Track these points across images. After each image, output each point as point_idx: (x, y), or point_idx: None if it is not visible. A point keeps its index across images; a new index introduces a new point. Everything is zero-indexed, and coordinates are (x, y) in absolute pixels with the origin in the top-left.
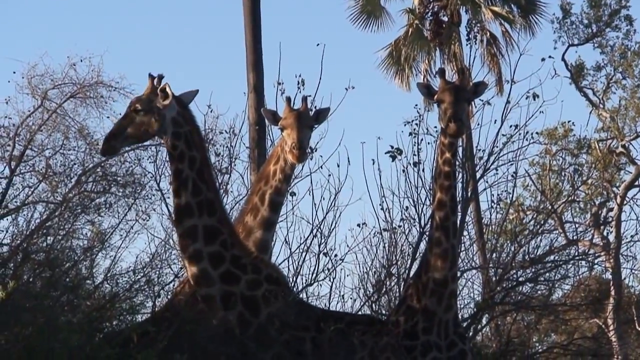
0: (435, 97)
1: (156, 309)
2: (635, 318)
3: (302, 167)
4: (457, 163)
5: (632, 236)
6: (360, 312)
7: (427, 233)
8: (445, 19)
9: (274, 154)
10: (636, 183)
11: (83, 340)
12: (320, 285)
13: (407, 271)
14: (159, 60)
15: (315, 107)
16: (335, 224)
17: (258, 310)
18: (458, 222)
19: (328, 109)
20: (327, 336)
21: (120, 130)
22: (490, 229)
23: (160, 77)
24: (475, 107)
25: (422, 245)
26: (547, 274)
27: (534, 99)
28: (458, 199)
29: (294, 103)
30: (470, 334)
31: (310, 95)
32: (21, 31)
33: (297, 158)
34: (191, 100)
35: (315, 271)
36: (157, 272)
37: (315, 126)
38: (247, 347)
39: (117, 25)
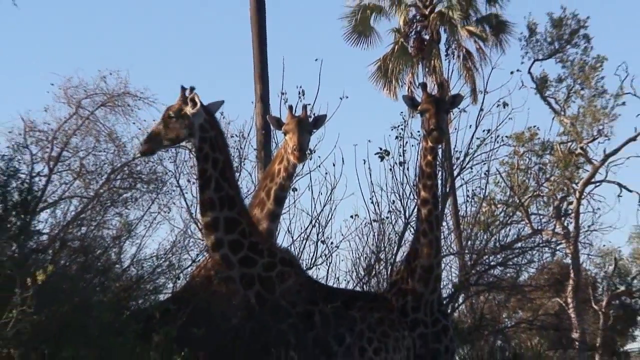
0: (419, 107)
1: (176, 289)
2: (591, 297)
3: (303, 166)
4: (437, 164)
5: (589, 226)
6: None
7: (411, 223)
8: (427, 37)
9: (279, 155)
10: (593, 180)
11: (113, 316)
12: (319, 268)
13: (393, 256)
14: (178, 74)
15: (314, 114)
16: (331, 215)
17: (273, 288)
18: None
19: (325, 116)
20: (333, 309)
21: (156, 134)
22: (465, 220)
23: (192, 89)
24: (453, 114)
25: (407, 234)
26: (515, 259)
27: (504, 107)
28: (438, 194)
29: (295, 110)
30: (449, 311)
31: (309, 104)
32: (59, 49)
33: (297, 159)
34: (217, 110)
35: (314, 257)
36: (177, 258)
37: (314, 131)
38: (265, 320)
39: (142, 43)
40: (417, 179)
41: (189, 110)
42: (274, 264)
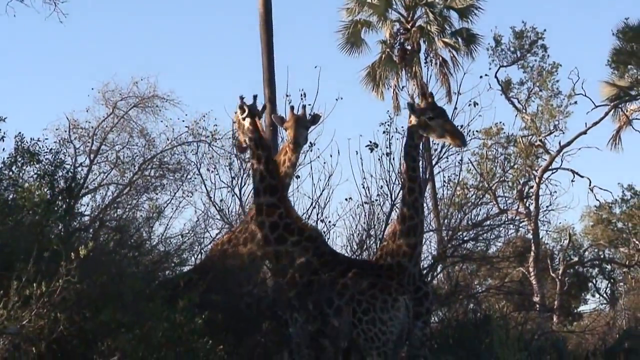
0: (432, 114)
1: (197, 262)
2: (549, 267)
3: (305, 157)
4: (419, 159)
5: (547, 207)
6: None
7: (397, 205)
8: (409, 47)
9: (284, 148)
10: (550, 167)
11: (144, 285)
12: None
13: (382, 233)
14: (200, 79)
15: (313, 112)
16: (329, 198)
17: (293, 261)
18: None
19: (320, 115)
20: (330, 277)
21: (237, 133)
22: (442, 202)
23: (255, 97)
24: None
25: (394, 214)
26: (485, 235)
27: (474, 106)
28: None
29: (298, 110)
30: (429, 279)
31: (310, 104)
32: (98, 58)
33: (292, 150)
34: (262, 114)
35: None
36: (199, 236)
37: (312, 127)
38: (279, 289)
39: (168, 53)
40: (404, 171)
41: (239, 114)
42: (299, 241)
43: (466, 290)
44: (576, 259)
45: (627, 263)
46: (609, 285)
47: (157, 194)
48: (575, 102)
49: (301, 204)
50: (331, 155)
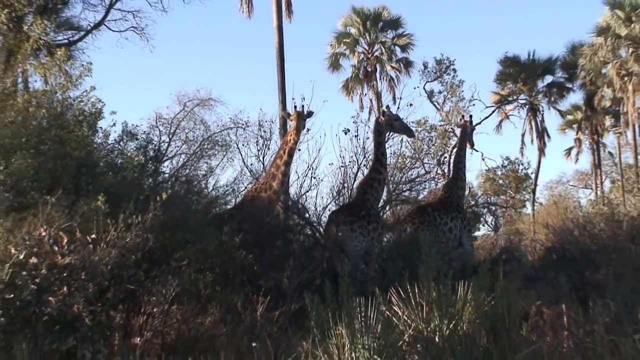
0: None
1: (236, 203)
2: None
3: (303, 137)
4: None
5: None
6: (330, 207)
7: (362, 168)
8: (369, 69)
9: (290, 132)
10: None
11: (203, 217)
12: (311, 190)
13: (352, 185)
14: (239, 88)
15: (308, 109)
16: (319, 163)
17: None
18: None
19: (313, 112)
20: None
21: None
22: (390, 166)
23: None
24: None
25: (360, 175)
26: (416, 187)
27: (410, 106)
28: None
29: (302, 109)
30: (382, 215)
31: (307, 105)
32: (175, 73)
33: (295, 135)
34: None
35: (309, 185)
36: (237, 186)
37: (308, 119)
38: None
39: (220, 71)
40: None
41: (388, 117)
42: None
43: (405, 222)
44: (473, 202)
45: (505, 205)
46: (493, 219)
47: (210, 159)
48: (474, 104)
49: (301, 167)
50: (320, 137)
